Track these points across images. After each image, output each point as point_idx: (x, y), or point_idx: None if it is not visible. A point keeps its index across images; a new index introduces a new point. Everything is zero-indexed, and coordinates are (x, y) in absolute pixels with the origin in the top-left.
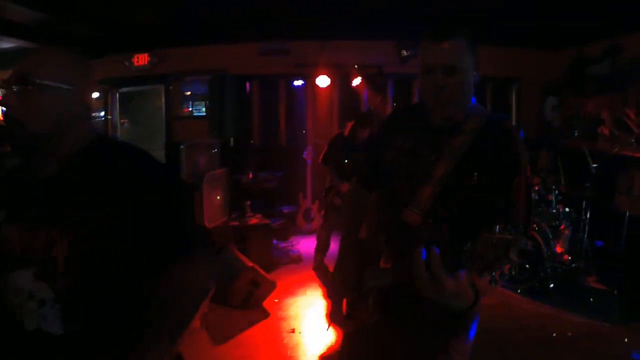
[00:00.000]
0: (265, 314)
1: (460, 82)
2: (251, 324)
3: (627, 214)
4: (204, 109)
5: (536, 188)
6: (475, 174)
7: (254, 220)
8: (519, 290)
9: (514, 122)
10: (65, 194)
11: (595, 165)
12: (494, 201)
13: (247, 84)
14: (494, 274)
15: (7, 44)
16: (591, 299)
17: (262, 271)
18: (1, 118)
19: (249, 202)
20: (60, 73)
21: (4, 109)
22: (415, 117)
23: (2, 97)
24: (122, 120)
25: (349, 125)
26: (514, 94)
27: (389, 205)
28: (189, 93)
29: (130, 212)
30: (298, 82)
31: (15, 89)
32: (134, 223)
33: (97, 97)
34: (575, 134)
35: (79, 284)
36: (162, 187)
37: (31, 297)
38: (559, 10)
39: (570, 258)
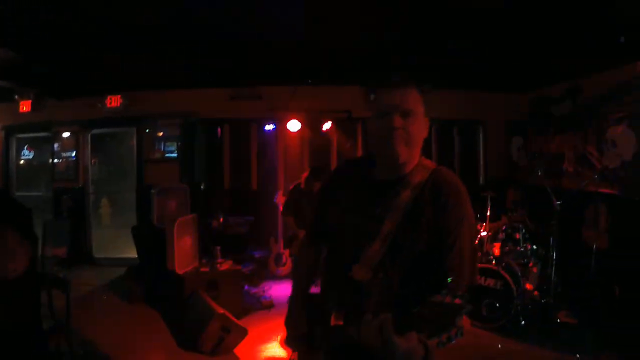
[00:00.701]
0: None
1: (414, 126)
2: None
3: (594, 247)
4: (175, 151)
5: (503, 228)
6: (421, 228)
7: (225, 266)
8: (490, 329)
9: (481, 163)
10: None
11: (559, 202)
12: (441, 255)
13: (219, 129)
14: (441, 337)
15: None
16: (562, 334)
17: (232, 317)
18: None
19: (219, 247)
20: None
21: None
22: (360, 172)
23: None
24: (92, 160)
25: (303, 176)
26: (480, 135)
27: (337, 262)
28: (161, 134)
29: None
30: (269, 127)
31: None
32: None
33: (69, 138)
34: (539, 172)
35: None
36: None
37: None
38: (520, 55)
39: (539, 294)
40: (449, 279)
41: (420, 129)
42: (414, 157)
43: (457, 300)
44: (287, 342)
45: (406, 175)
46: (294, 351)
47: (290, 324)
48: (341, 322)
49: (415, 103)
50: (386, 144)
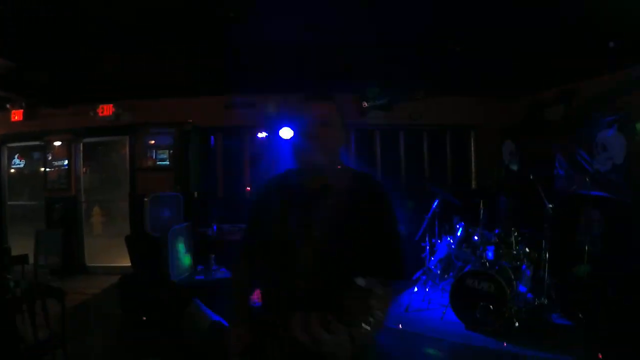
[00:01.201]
0: None
1: (331, 135)
2: None
3: (586, 249)
4: (168, 160)
5: (496, 231)
6: (348, 233)
7: (220, 274)
8: (484, 332)
9: (473, 168)
10: None
11: (551, 205)
12: (369, 256)
13: (212, 137)
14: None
15: None
16: (556, 336)
17: (228, 325)
18: None
19: (214, 255)
20: None
21: None
22: (288, 183)
23: None
24: (84, 169)
25: None
26: (472, 140)
27: (272, 272)
28: (152, 142)
29: None
30: (262, 134)
31: None
32: None
33: (61, 146)
34: (531, 176)
35: None
36: None
37: None
38: (512, 61)
39: (533, 297)
40: (378, 276)
41: (337, 138)
42: (334, 164)
43: (379, 291)
44: (232, 356)
45: (331, 183)
46: None
47: (235, 338)
48: (280, 330)
49: (333, 115)
50: (304, 153)
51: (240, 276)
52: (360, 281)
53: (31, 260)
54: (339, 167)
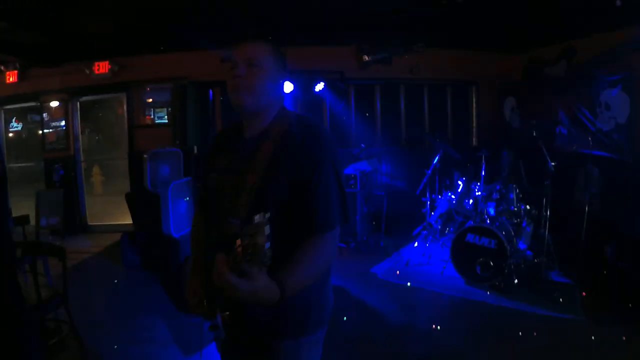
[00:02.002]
0: None
1: (258, 75)
2: None
3: (586, 209)
4: (165, 117)
5: (497, 188)
6: (283, 177)
7: None
8: (483, 288)
9: (474, 124)
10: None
11: (553, 163)
12: (305, 201)
13: (210, 91)
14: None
15: None
16: (554, 293)
17: None
18: None
19: None
20: None
21: None
22: (233, 134)
23: None
24: (82, 129)
25: None
26: (473, 96)
27: (212, 220)
28: (150, 100)
29: None
30: None
31: None
32: None
33: (57, 107)
34: (534, 133)
35: None
36: None
37: None
38: (515, 14)
39: (532, 254)
40: (316, 223)
41: (266, 79)
42: (266, 107)
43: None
44: (192, 309)
45: (267, 128)
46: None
47: (190, 291)
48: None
49: (263, 55)
50: (232, 94)
51: (196, 227)
52: (257, 217)
53: (32, 221)
54: (274, 110)
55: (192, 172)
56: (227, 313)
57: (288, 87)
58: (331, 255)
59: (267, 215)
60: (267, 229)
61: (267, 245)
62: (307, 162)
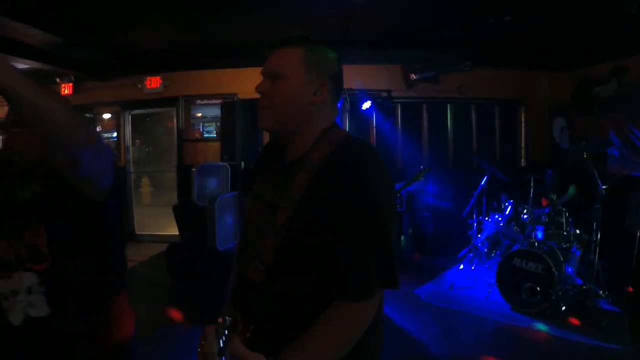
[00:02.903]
0: None
1: (281, 90)
2: None
3: (638, 234)
4: (214, 131)
5: (546, 211)
6: (314, 222)
7: None
8: (529, 314)
9: (522, 144)
10: None
11: (604, 186)
12: (334, 252)
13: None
14: None
15: (20, 65)
16: (603, 321)
17: None
18: None
19: None
20: None
21: None
22: (275, 155)
23: None
24: (136, 141)
25: None
26: (522, 116)
27: (240, 259)
28: (199, 115)
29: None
30: None
31: None
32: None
33: (109, 119)
34: (584, 155)
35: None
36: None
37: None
38: (564, 32)
39: (581, 280)
40: (343, 287)
41: (293, 95)
42: (294, 129)
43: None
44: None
45: (306, 154)
46: None
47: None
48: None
49: (290, 65)
50: (258, 115)
51: (238, 249)
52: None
53: None
54: (313, 132)
55: (239, 186)
56: None
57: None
58: (356, 331)
59: (225, 325)
60: (220, 343)
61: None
62: (342, 206)
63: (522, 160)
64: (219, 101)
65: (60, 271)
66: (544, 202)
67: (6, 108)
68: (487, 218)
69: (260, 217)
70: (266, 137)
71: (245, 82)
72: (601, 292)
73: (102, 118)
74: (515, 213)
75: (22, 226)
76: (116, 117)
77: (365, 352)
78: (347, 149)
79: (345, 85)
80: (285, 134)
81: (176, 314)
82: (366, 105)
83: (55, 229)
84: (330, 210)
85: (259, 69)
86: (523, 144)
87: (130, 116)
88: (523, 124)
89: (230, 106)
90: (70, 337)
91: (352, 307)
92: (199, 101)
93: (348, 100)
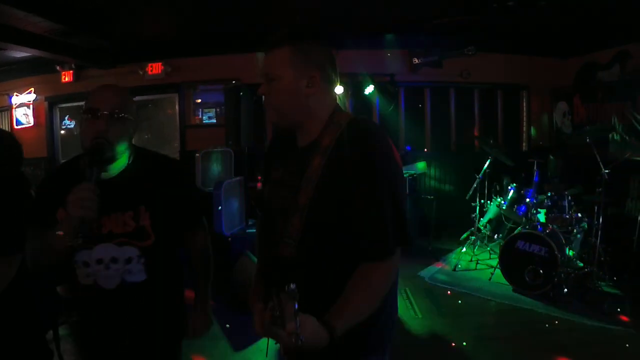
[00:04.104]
0: None
1: (278, 91)
2: None
3: (639, 218)
4: (214, 117)
5: (549, 194)
6: (334, 198)
7: None
8: (532, 296)
9: (524, 128)
10: None
11: (607, 171)
12: (353, 225)
13: None
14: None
15: (21, 53)
16: (604, 304)
17: None
18: None
19: None
20: None
21: None
22: (287, 142)
23: None
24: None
25: None
26: (524, 100)
27: (266, 238)
28: (199, 101)
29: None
30: None
31: None
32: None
33: None
34: (587, 140)
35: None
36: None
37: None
38: (567, 18)
39: (583, 263)
40: (367, 250)
41: (289, 92)
42: (301, 121)
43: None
44: (257, 331)
45: (318, 139)
46: None
47: (252, 298)
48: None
49: (279, 66)
50: (270, 114)
51: (260, 234)
52: (289, 291)
53: None
54: (327, 118)
55: (244, 171)
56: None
57: (337, 89)
58: (386, 285)
59: (296, 295)
60: (295, 311)
61: (296, 330)
62: (357, 179)
63: (524, 144)
64: (219, 86)
65: (159, 247)
66: (547, 186)
67: None
68: (489, 201)
69: (283, 200)
70: (269, 123)
71: (249, 66)
72: (603, 274)
73: None
74: (519, 196)
75: (127, 206)
76: None
77: (390, 304)
78: (354, 128)
79: (349, 70)
80: (292, 125)
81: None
82: (369, 89)
83: (156, 211)
84: (347, 184)
85: (262, 54)
86: (525, 129)
87: None
88: (525, 109)
89: (234, 91)
90: (160, 299)
91: (381, 266)
92: (201, 87)
93: (350, 85)
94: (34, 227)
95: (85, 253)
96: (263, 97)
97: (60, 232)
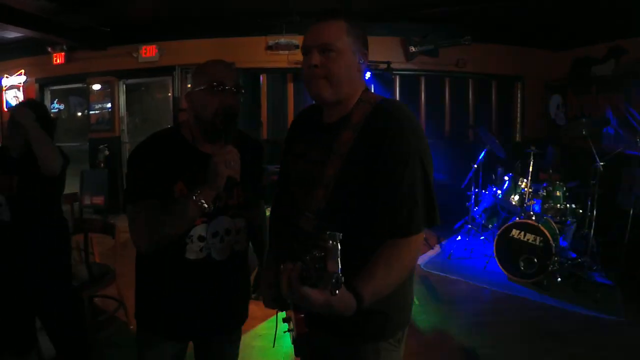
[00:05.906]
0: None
1: (335, 60)
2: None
3: (631, 211)
4: None
5: (544, 185)
6: (363, 172)
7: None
8: (526, 284)
9: (518, 120)
10: None
11: (602, 163)
12: (384, 201)
13: (261, 77)
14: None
15: (12, 34)
16: (597, 293)
17: None
18: None
19: None
20: None
21: None
22: (311, 119)
23: None
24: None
25: None
26: (518, 91)
27: (286, 212)
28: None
29: None
30: None
31: None
32: None
33: (103, 88)
34: (584, 132)
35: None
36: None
37: (228, 233)
38: (563, 11)
39: (576, 253)
40: (399, 225)
41: (347, 65)
42: (347, 95)
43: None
44: (266, 304)
45: (348, 115)
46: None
47: (263, 284)
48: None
49: (339, 37)
50: (309, 84)
51: (274, 215)
52: (329, 238)
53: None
54: (356, 95)
55: None
56: (302, 315)
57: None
58: (413, 261)
59: (339, 236)
60: (338, 253)
61: (337, 271)
62: (391, 155)
63: (517, 135)
64: None
65: (254, 218)
66: (542, 176)
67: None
68: (484, 190)
69: (305, 174)
70: (264, 109)
71: (244, 50)
72: (595, 265)
73: (96, 88)
74: (514, 186)
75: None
76: (110, 86)
77: (410, 282)
78: (387, 107)
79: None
80: (339, 98)
81: None
82: (365, 76)
83: (248, 184)
84: (378, 159)
85: (257, 37)
86: (519, 120)
87: (124, 86)
88: (519, 100)
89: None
90: (247, 264)
91: (408, 241)
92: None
93: None
94: (151, 199)
95: (201, 227)
96: (311, 67)
97: (202, 200)
